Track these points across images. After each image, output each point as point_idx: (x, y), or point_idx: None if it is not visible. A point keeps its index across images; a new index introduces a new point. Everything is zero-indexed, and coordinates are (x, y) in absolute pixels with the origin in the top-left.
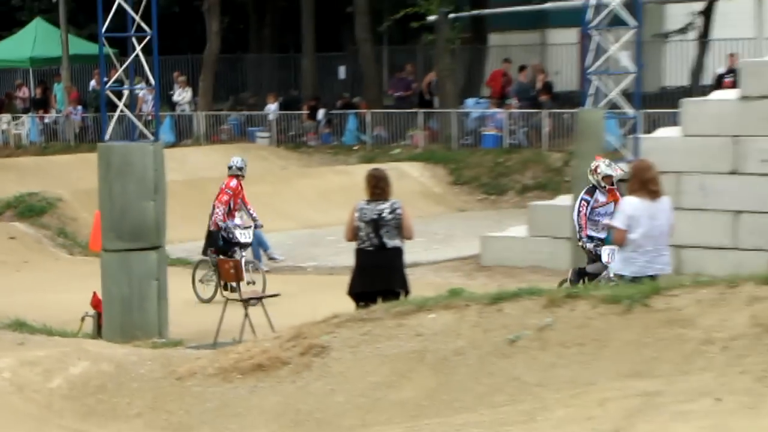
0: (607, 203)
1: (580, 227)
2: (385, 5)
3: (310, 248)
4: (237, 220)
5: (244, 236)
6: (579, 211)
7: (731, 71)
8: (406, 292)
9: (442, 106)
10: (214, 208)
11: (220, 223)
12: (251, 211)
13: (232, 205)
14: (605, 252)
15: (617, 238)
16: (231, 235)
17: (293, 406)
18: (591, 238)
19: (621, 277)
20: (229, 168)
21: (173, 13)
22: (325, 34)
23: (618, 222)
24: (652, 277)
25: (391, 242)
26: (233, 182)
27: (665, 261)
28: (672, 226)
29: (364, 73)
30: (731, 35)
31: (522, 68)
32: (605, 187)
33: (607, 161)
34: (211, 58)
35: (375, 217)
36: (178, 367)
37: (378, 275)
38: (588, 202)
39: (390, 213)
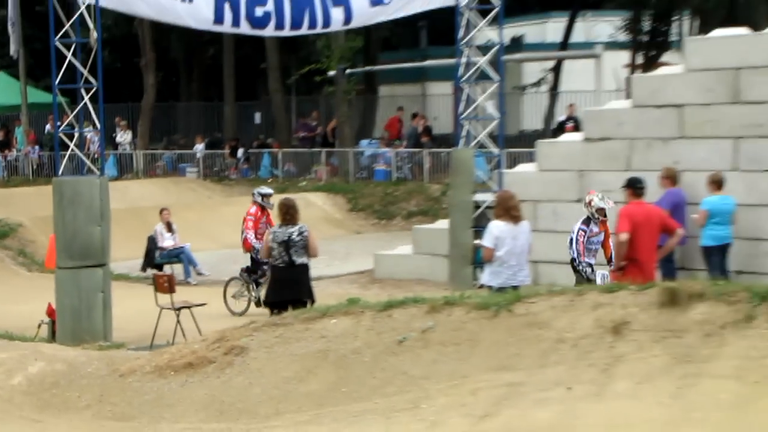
0: (599, 233)
1: (578, 254)
2: (293, 62)
3: (231, 265)
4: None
5: None
6: (577, 240)
7: (570, 118)
8: (312, 301)
9: (341, 146)
10: (243, 233)
11: (253, 243)
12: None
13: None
14: (599, 275)
15: (486, 256)
16: (260, 256)
17: (218, 398)
18: (588, 264)
19: (490, 287)
20: (253, 195)
21: (116, 68)
22: (243, 86)
23: (487, 242)
24: (515, 287)
25: (300, 260)
26: (253, 208)
27: (525, 274)
28: (530, 245)
29: (276, 118)
30: (575, 88)
31: (414, 115)
32: (599, 218)
33: (600, 195)
34: (147, 106)
35: (286, 239)
36: (120, 366)
37: (288, 287)
38: (585, 232)
39: (298, 235)
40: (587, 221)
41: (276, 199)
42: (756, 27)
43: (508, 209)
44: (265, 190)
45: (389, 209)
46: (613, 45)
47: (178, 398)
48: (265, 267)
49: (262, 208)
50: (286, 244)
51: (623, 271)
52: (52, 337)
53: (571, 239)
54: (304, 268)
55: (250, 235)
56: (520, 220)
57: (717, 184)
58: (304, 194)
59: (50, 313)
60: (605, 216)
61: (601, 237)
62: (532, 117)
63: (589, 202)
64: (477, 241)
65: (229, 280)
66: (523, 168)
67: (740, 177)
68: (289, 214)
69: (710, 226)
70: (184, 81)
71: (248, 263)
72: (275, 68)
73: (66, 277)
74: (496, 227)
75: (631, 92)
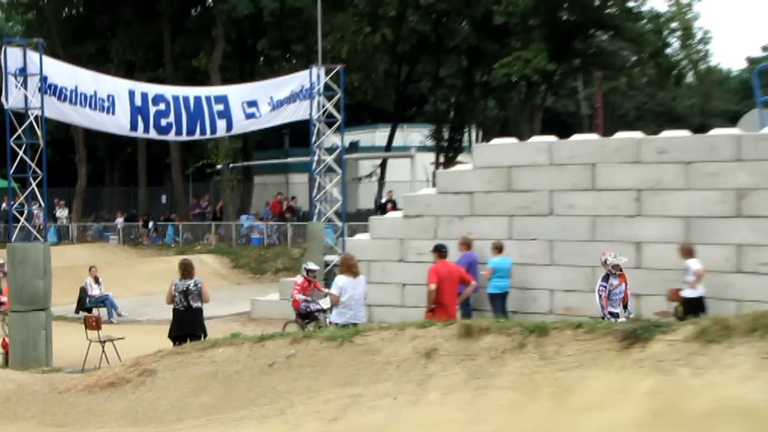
0: (620, 284)
1: (602, 306)
2: (190, 158)
3: (144, 308)
4: (314, 305)
5: (324, 304)
6: (600, 296)
7: (390, 201)
8: (205, 335)
9: (226, 220)
10: (292, 296)
11: (301, 302)
12: (324, 290)
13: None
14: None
15: (333, 301)
16: (310, 308)
17: (133, 409)
18: (611, 313)
19: (336, 324)
20: (303, 268)
21: (56, 161)
22: (153, 175)
23: (334, 291)
24: (355, 324)
25: (195, 304)
26: (300, 279)
27: (362, 315)
28: (366, 293)
29: (177, 199)
30: (397, 179)
31: (293, 198)
32: (615, 272)
33: (613, 254)
34: (80, 190)
35: (185, 289)
36: (58, 385)
37: (187, 325)
38: (605, 287)
39: (194, 286)
40: (606, 278)
41: (176, 259)
42: (521, 137)
43: (350, 267)
44: (311, 266)
45: (262, 266)
46: (423, 148)
47: (103, 409)
48: (318, 314)
49: (308, 280)
50: (185, 293)
51: (433, 312)
52: (6, 364)
53: (597, 295)
54: (199, 310)
55: (299, 297)
56: (358, 275)
57: (498, 248)
58: (199, 255)
59: (4, 345)
60: (621, 270)
61: (623, 287)
62: (365, 199)
63: (605, 261)
64: (327, 290)
65: (285, 323)
66: (359, 237)
67: (514, 244)
68: (186, 270)
69: (494, 279)
70: (109, 171)
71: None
72: (177, 162)
73: (17, 318)
74: (341, 280)
75: (436, 182)
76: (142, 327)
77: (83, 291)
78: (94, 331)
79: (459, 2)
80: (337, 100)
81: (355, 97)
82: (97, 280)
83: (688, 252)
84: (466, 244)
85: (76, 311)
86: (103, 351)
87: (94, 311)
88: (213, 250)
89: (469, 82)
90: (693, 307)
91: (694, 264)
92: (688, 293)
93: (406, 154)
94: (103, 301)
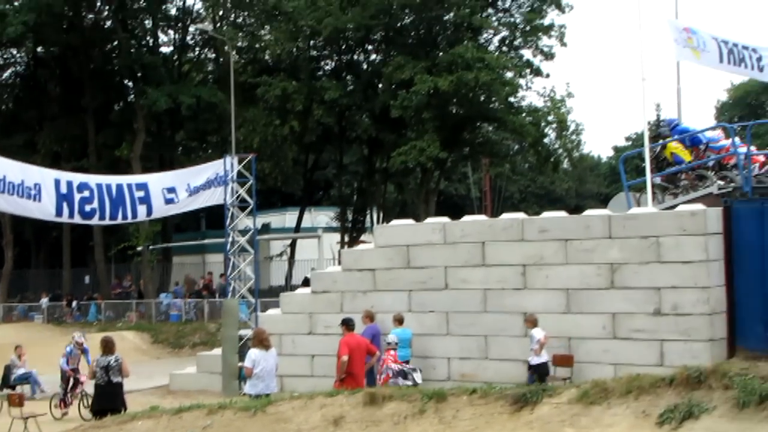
0: None
1: None
2: (113, 240)
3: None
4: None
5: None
6: None
7: (306, 279)
8: (125, 409)
9: (146, 298)
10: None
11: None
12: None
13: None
14: None
15: (247, 373)
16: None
17: None
18: None
19: (250, 395)
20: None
21: None
22: (77, 257)
23: (247, 363)
24: (267, 395)
25: (116, 379)
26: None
27: (274, 385)
28: (277, 365)
29: (100, 279)
30: (306, 257)
31: (222, 275)
32: None
33: None
34: (7, 272)
35: (106, 364)
36: None
37: (108, 399)
38: None
39: (115, 362)
40: None
41: (99, 336)
42: (418, 219)
43: (261, 340)
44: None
45: (180, 341)
46: (329, 229)
47: None
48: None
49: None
50: (106, 368)
51: (343, 381)
52: None
53: None
54: (119, 385)
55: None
56: (270, 348)
57: (399, 320)
58: (120, 332)
59: None
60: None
61: None
62: (277, 277)
63: None
64: (240, 363)
65: None
66: (271, 312)
67: (413, 316)
68: (107, 347)
69: (396, 349)
70: (35, 253)
71: None
72: (100, 245)
73: None
74: (254, 353)
75: (342, 261)
76: None
77: (7, 369)
78: (17, 408)
79: (359, 98)
80: (250, 186)
81: (266, 183)
82: (21, 359)
83: (532, 322)
84: (370, 317)
85: (1, 388)
86: (26, 428)
87: (18, 388)
88: (134, 327)
89: (370, 169)
90: (539, 373)
91: (537, 333)
92: (533, 360)
93: (313, 235)
94: (26, 378)
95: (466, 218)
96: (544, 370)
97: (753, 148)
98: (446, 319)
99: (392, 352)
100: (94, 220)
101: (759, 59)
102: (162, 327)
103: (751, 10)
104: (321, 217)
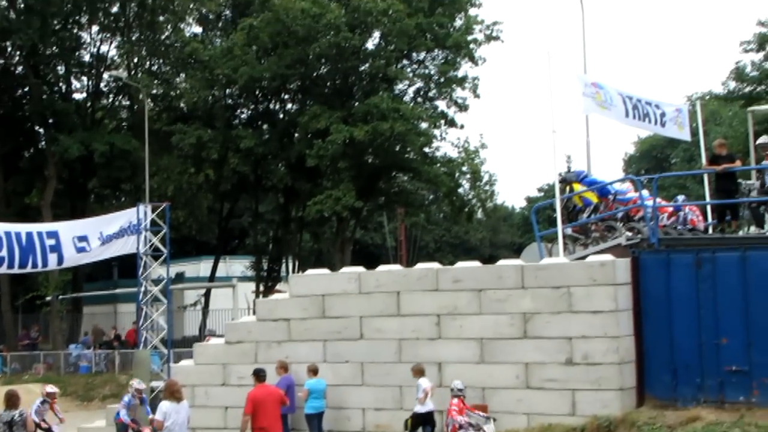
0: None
1: None
2: (21, 289)
3: None
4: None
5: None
6: None
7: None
8: None
9: (54, 349)
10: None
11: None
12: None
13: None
14: None
15: (157, 426)
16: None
17: None
18: None
19: None
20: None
21: None
22: None
23: (158, 416)
24: None
25: None
26: (455, 400)
27: None
28: (189, 417)
29: (6, 330)
30: (220, 307)
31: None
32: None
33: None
34: None
35: (8, 419)
36: None
37: None
38: None
39: (18, 416)
40: None
41: (2, 390)
42: (333, 268)
43: (173, 392)
44: (461, 384)
45: (90, 393)
46: (244, 278)
47: None
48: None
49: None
50: (9, 424)
51: None
52: None
53: None
54: None
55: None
56: (182, 400)
57: (314, 371)
58: (26, 385)
59: None
60: None
61: None
62: (190, 326)
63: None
64: (151, 416)
65: None
66: (184, 363)
67: (328, 366)
68: (11, 401)
69: (310, 400)
70: None
71: None
72: (7, 293)
73: None
74: (165, 405)
75: (256, 310)
76: None
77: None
78: None
79: (275, 146)
80: (163, 234)
81: (180, 231)
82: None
83: (419, 372)
84: (284, 368)
85: None
86: None
87: None
88: (41, 379)
89: (286, 217)
90: (423, 421)
91: (424, 383)
92: (418, 409)
93: (228, 284)
94: None
95: (382, 268)
96: (428, 419)
97: (659, 200)
98: (361, 369)
99: (455, 400)
100: (3, 269)
101: (662, 115)
102: (71, 379)
103: (654, 64)
104: (236, 266)
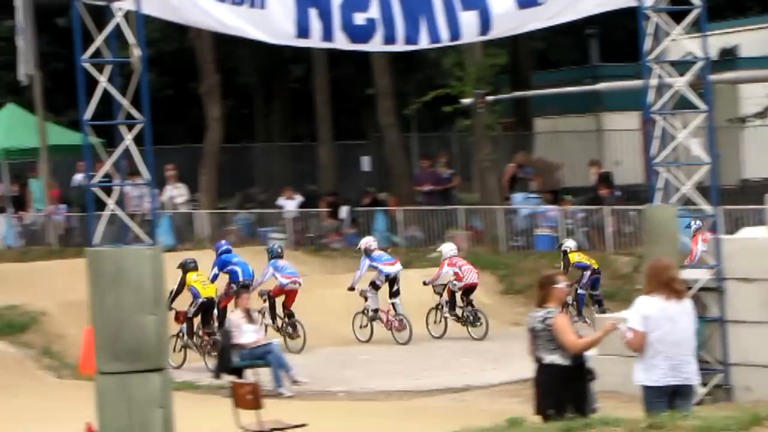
0: None
1: None
2: (411, 87)
3: (340, 370)
4: None
5: None
6: None
7: None
8: None
9: (484, 202)
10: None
11: None
12: None
13: None
14: None
15: (634, 343)
16: None
17: None
18: None
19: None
20: None
21: (167, 96)
22: (343, 120)
23: (634, 323)
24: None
25: None
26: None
27: (692, 370)
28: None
29: (391, 164)
30: None
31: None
32: None
33: None
34: (212, 149)
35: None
36: None
37: None
38: None
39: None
40: None
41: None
42: None
43: (667, 282)
44: None
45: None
46: None
47: None
48: None
49: None
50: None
51: None
52: None
53: None
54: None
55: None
56: (683, 297)
57: None
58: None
59: None
60: None
61: None
62: (758, 161)
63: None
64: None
65: None
66: (749, 233)
67: None
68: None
69: None
70: (261, 113)
71: None
72: (387, 96)
73: (110, 386)
74: (647, 304)
75: None
76: (339, 405)
77: (227, 337)
78: (249, 410)
79: None
80: None
81: None
82: (250, 317)
83: None
84: None
85: (216, 374)
86: None
87: (248, 374)
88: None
89: None
90: None
91: None
92: None
93: None
94: (263, 355)
95: None
96: None
97: None
98: None
99: None
100: (374, 44)
101: None
102: (520, 261)
103: None
104: None
